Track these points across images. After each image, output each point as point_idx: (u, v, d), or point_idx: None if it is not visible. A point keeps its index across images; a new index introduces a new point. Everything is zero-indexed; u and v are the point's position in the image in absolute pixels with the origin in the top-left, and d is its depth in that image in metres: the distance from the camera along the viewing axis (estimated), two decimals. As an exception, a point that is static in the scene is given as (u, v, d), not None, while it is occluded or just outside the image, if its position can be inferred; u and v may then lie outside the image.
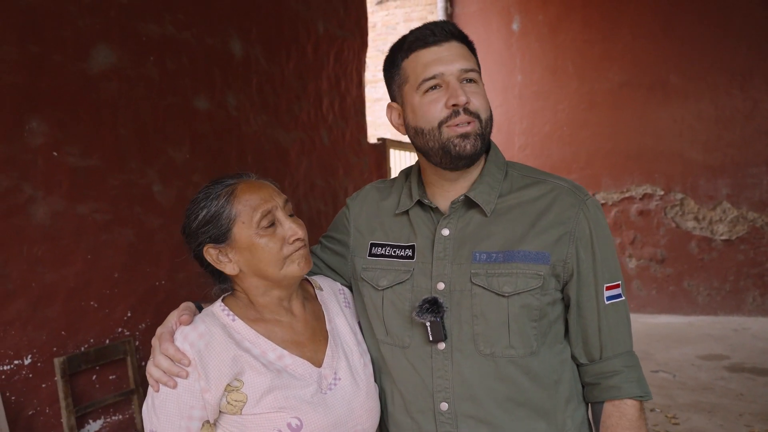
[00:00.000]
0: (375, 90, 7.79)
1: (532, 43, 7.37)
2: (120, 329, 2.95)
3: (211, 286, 1.27)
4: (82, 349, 2.77)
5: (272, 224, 1.16)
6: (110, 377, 2.91)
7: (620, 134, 6.97)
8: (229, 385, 1.10)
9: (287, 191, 1.30)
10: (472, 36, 1.23)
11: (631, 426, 1.18)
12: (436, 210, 1.23)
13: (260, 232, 1.15)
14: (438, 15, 7.64)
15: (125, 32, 3.03)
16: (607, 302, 1.18)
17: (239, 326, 1.16)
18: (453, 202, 1.21)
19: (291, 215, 1.21)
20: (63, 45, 2.73)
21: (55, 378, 2.62)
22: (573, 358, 1.23)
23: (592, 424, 1.25)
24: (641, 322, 6.47)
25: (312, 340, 1.21)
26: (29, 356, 2.56)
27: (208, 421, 1.12)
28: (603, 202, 7.05)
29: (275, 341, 1.17)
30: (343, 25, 5.22)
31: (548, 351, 1.18)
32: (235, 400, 1.10)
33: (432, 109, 1.16)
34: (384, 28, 8.20)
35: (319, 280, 1.34)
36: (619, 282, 1.20)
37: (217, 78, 3.67)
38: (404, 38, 1.23)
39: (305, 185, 4.60)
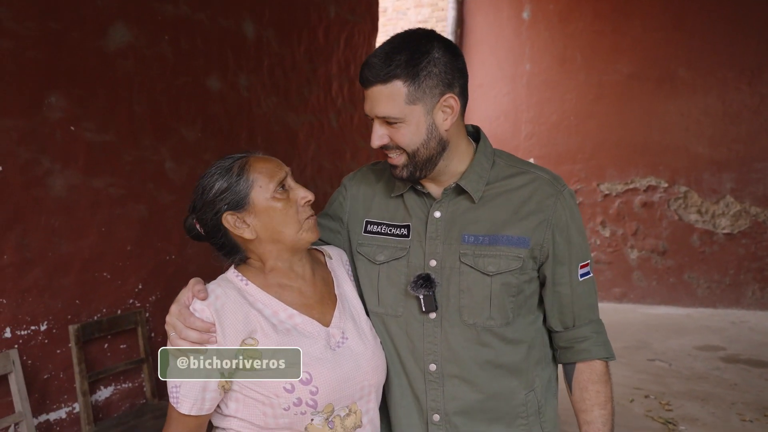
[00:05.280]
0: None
1: (542, 32, 7.37)
2: (131, 300, 3.05)
3: (220, 265, 1.35)
4: (95, 318, 2.87)
5: (286, 189, 1.26)
6: (121, 346, 3.01)
7: (626, 126, 7.00)
8: (243, 341, 1.18)
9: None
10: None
11: (600, 380, 1.38)
12: (428, 195, 1.37)
13: (276, 195, 1.24)
14: (448, 2, 7.65)
15: (141, 11, 3.10)
16: (580, 279, 1.36)
17: (252, 289, 1.26)
18: (445, 189, 1.35)
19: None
20: (82, 22, 2.80)
21: (69, 344, 2.72)
22: (549, 326, 1.40)
23: (565, 382, 1.42)
24: (640, 313, 6.54)
25: (321, 303, 1.30)
26: (45, 323, 2.67)
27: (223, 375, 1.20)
28: (607, 192, 7.10)
29: (286, 303, 1.26)
30: (354, 9, 5.26)
31: (522, 320, 1.35)
32: (251, 357, 1.18)
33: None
34: (395, 13, 8.20)
35: (328, 249, 1.44)
36: (589, 261, 1.38)
37: (229, 59, 3.74)
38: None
39: (313, 167, 4.67)
